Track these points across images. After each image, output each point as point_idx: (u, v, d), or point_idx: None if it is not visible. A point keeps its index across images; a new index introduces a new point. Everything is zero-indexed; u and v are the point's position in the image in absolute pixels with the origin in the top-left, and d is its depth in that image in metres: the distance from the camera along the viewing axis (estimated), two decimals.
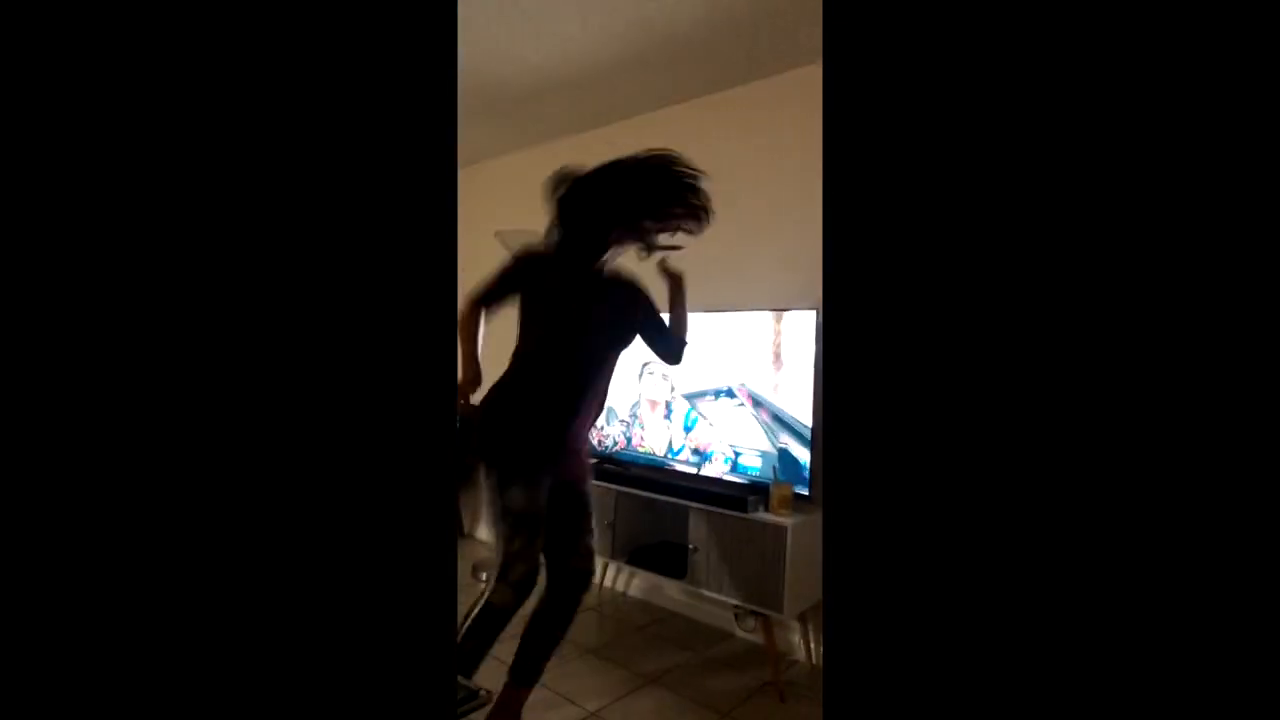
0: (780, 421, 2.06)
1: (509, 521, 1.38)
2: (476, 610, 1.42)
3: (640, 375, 2.48)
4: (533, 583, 1.41)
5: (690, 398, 2.30)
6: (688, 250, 2.16)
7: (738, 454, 2.13)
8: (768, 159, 2.39)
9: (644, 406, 2.46)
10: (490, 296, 1.42)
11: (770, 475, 2.05)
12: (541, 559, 1.41)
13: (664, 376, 2.40)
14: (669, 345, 1.60)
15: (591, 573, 1.50)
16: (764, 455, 2.09)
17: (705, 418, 2.26)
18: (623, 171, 1.36)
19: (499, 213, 3.49)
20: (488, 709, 1.66)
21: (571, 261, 1.41)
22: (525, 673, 1.48)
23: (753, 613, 2.02)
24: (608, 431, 2.57)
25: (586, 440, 1.55)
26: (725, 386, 2.20)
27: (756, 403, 2.12)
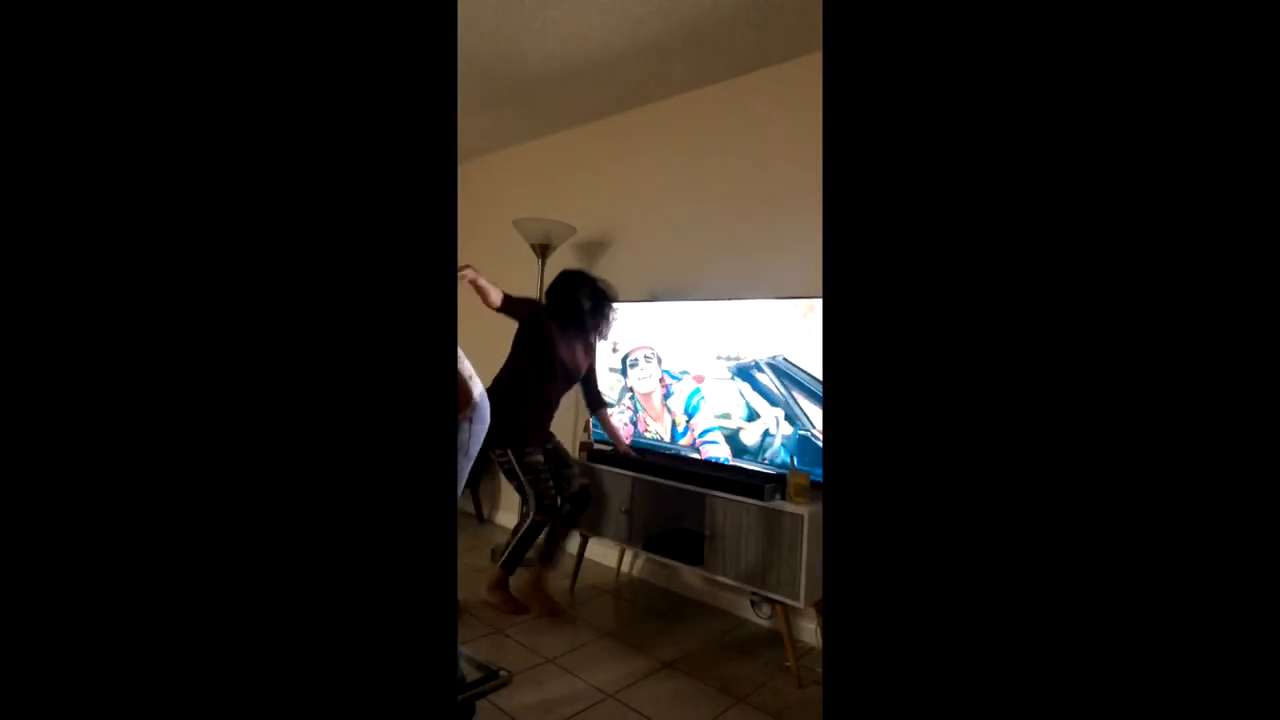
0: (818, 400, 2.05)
1: (530, 474, 2.24)
2: (523, 530, 2.24)
3: (632, 364, 2.49)
4: (556, 507, 2.28)
5: (742, 369, 2.29)
6: (734, 237, 2.23)
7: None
8: (796, 141, 2.37)
9: (639, 398, 2.47)
10: (510, 304, 2.21)
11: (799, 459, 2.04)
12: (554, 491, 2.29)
13: (658, 361, 2.41)
14: (591, 395, 2.53)
15: (587, 490, 2.38)
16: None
17: (768, 382, 2.26)
18: (570, 281, 2.35)
19: (516, 200, 3.50)
20: (505, 688, 1.69)
21: (556, 321, 2.30)
22: (550, 557, 2.33)
23: (769, 600, 2.03)
24: (626, 419, 2.58)
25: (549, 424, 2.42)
26: (753, 360, 2.20)
27: (788, 380, 2.12)
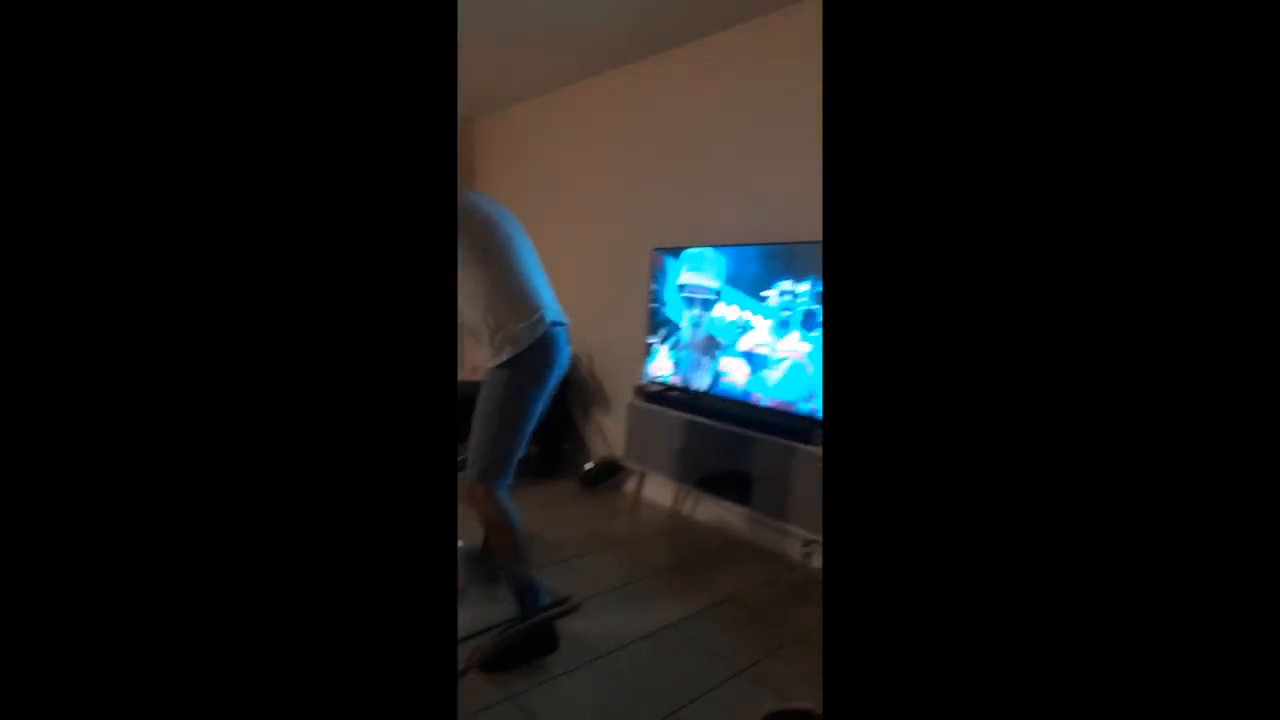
0: None
1: None
2: None
3: (687, 308, 2.54)
4: None
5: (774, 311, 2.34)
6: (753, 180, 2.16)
7: None
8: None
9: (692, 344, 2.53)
10: None
11: None
12: None
13: (707, 306, 2.46)
14: None
15: None
16: None
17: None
18: None
19: (519, 158, 3.50)
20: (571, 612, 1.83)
21: None
22: None
23: (813, 540, 2.13)
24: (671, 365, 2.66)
25: None
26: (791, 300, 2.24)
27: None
